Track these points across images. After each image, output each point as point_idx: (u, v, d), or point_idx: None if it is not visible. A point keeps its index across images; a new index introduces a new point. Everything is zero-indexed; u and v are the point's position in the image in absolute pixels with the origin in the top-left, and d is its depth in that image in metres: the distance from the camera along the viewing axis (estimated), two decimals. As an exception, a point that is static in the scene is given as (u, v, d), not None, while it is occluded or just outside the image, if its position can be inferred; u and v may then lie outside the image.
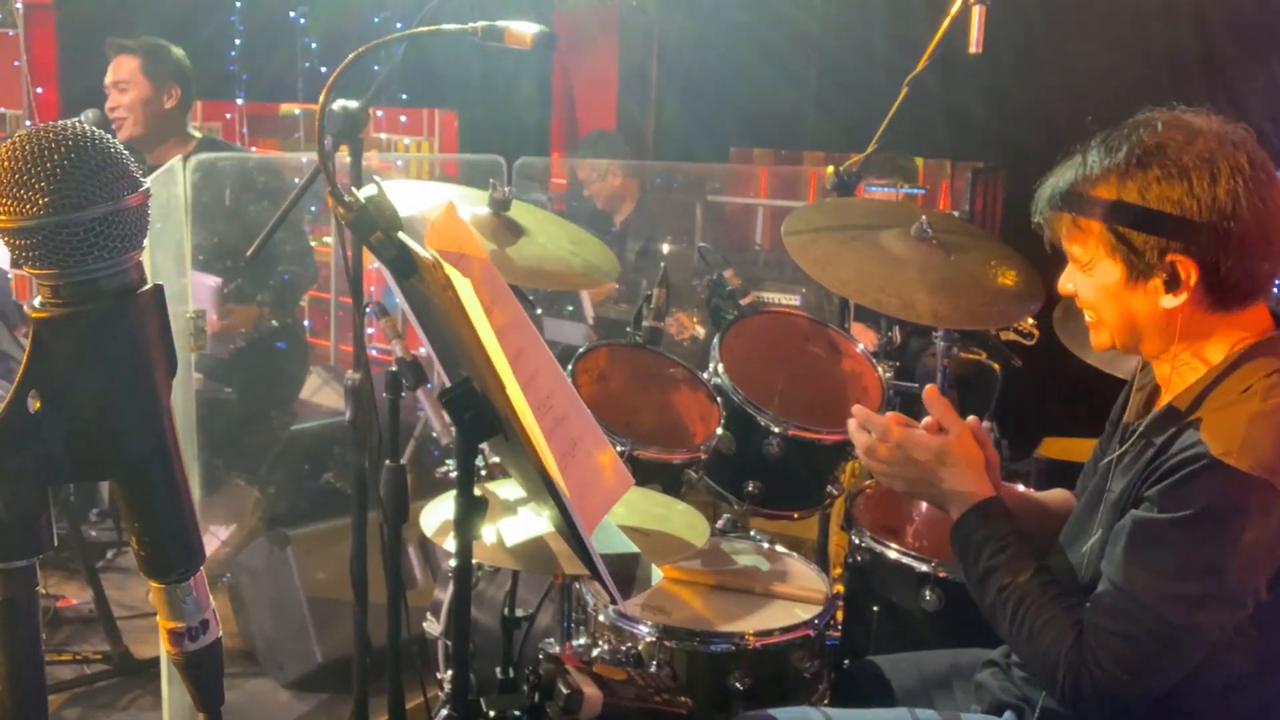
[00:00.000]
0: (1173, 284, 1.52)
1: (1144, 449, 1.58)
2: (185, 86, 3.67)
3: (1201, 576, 1.47)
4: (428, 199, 2.35)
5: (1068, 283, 1.66)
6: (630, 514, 1.95)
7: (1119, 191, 1.52)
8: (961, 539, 1.72)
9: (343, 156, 2.18)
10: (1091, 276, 1.59)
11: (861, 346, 2.69)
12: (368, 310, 2.21)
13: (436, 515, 1.90)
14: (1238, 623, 1.50)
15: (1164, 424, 1.57)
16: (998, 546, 1.67)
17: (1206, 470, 1.45)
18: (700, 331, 3.93)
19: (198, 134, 3.72)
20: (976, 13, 2.45)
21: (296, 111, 6.37)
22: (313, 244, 4.41)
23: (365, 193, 1.51)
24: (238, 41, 5.87)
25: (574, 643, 2.19)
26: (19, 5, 4.99)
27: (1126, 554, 1.52)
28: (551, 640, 2.33)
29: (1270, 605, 1.50)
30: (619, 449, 2.34)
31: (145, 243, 0.94)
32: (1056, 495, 1.98)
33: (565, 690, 1.70)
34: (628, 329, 2.76)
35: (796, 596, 2.19)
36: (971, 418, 1.82)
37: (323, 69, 6.01)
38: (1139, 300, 1.56)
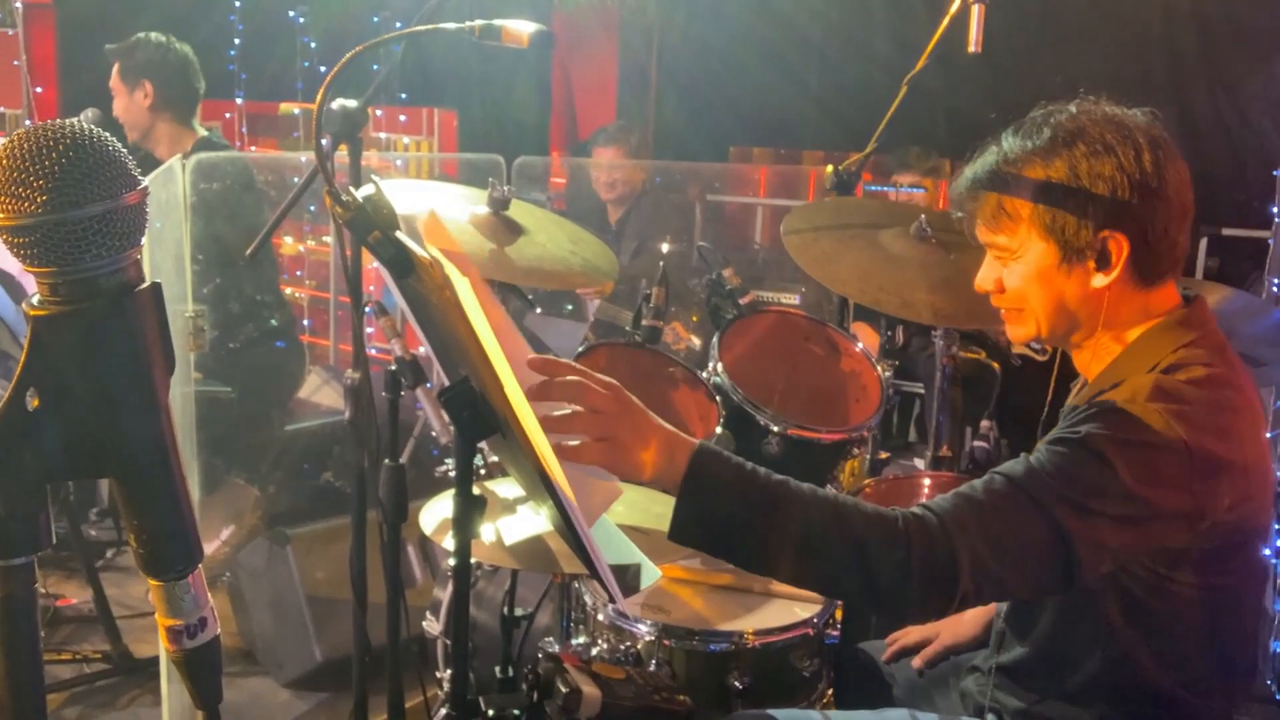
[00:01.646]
0: (1103, 262, 1.53)
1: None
2: (160, 78, 3.56)
3: (1080, 481, 1.40)
4: (422, 199, 2.35)
5: (988, 278, 1.64)
6: (630, 513, 1.95)
7: (1047, 171, 1.53)
8: (707, 484, 1.42)
9: (342, 156, 2.18)
10: (1021, 264, 1.58)
11: (861, 346, 2.70)
12: (367, 310, 2.21)
13: (435, 514, 1.90)
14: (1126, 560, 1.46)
15: (1074, 410, 1.56)
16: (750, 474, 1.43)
17: (1106, 410, 1.44)
18: (696, 341, 3.93)
19: (203, 131, 3.71)
20: (976, 12, 2.45)
21: (296, 111, 6.37)
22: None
23: (363, 192, 1.51)
24: (237, 41, 5.88)
25: (573, 642, 2.19)
26: (19, 5, 4.99)
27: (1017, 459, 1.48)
28: (551, 639, 2.33)
29: (1214, 575, 1.49)
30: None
31: (144, 241, 0.94)
32: None
33: (564, 689, 1.70)
34: (627, 329, 2.76)
35: (796, 595, 2.18)
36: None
37: (322, 68, 6.03)
38: (1070, 283, 1.56)
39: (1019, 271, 1.59)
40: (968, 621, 2.01)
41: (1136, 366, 1.54)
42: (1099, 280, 1.54)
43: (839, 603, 2.32)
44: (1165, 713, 1.57)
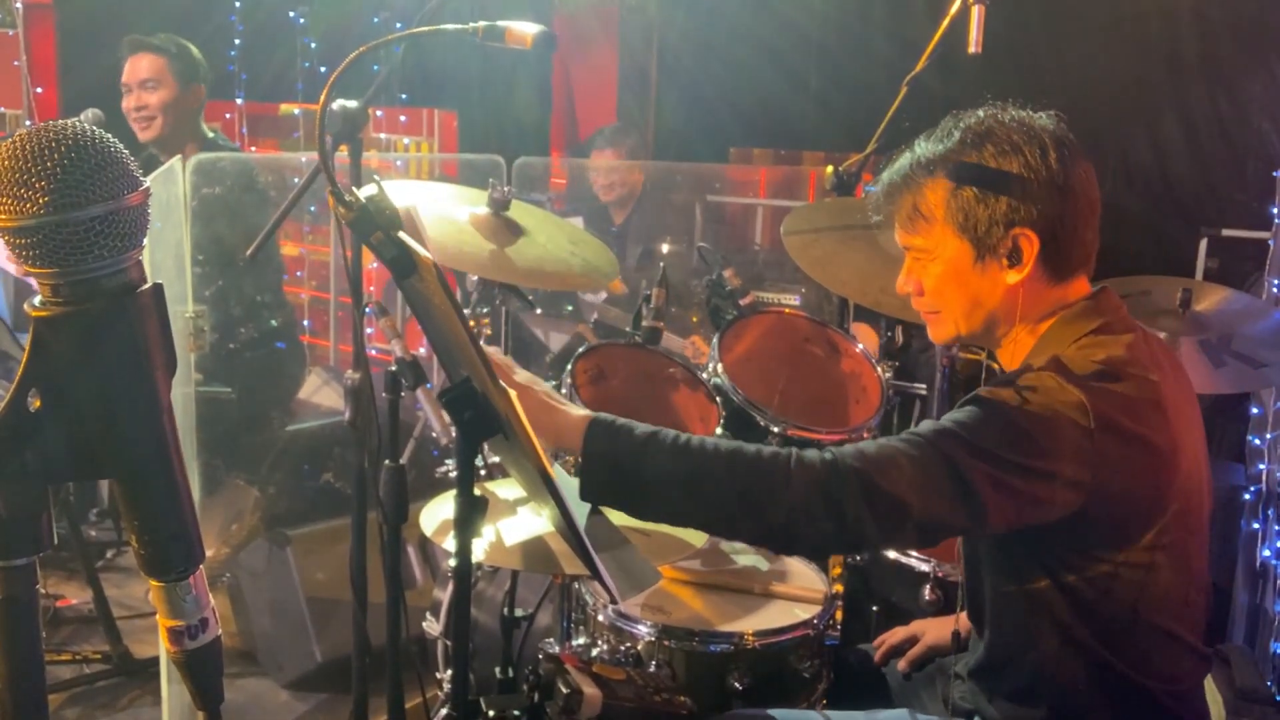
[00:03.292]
0: (1015, 259, 1.57)
1: None
2: (207, 87, 3.70)
3: (972, 427, 1.46)
4: (412, 198, 2.35)
5: (908, 281, 1.68)
6: (630, 514, 1.96)
7: (957, 170, 1.58)
8: (606, 450, 1.50)
9: (342, 156, 2.18)
10: (937, 264, 1.62)
11: (861, 346, 2.70)
12: (367, 310, 2.21)
13: (436, 515, 1.90)
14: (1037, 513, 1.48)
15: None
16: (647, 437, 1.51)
17: (1003, 378, 1.53)
18: None
19: (210, 133, 3.73)
20: (976, 13, 2.45)
21: (296, 111, 6.37)
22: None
23: (365, 192, 1.51)
24: (237, 41, 5.88)
25: (573, 642, 2.19)
26: (19, 5, 4.99)
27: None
28: (551, 640, 2.33)
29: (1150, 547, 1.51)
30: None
31: (145, 242, 0.94)
32: None
33: (565, 690, 1.70)
34: (627, 329, 2.76)
35: (796, 596, 2.19)
36: None
37: (322, 69, 6.02)
38: (984, 281, 1.60)
39: (935, 272, 1.63)
40: (949, 621, 2.02)
41: (1043, 355, 1.58)
42: (1012, 277, 1.58)
43: (839, 604, 2.33)
44: (1124, 705, 1.57)
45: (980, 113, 1.62)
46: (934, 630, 2.04)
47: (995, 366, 3.01)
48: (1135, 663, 1.56)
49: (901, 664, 2.03)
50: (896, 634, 2.08)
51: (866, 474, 1.44)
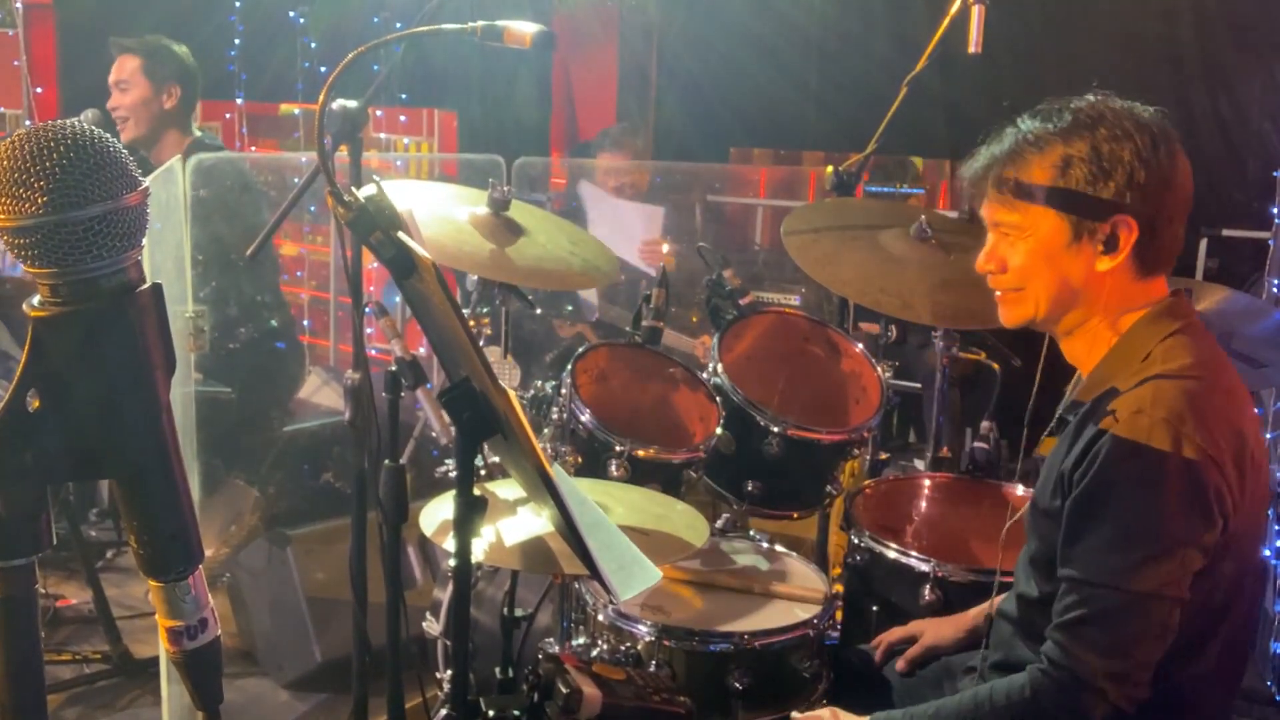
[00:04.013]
0: (1111, 245, 1.57)
1: (1064, 437, 1.63)
2: (187, 85, 3.66)
3: (1141, 540, 1.48)
4: (413, 200, 2.35)
5: (988, 260, 1.67)
6: (630, 514, 1.95)
7: (1068, 150, 1.57)
8: None
9: (342, 157, 2.18)
10: (1029, 241, 1.61)
11: (860, 346, 2.69)
12: (367, 310, 2.20)
13: (436, 515, 1.90)
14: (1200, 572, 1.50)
15: (1078, 405, 1.62)
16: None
17: (1116, 440, 1.49)
18: None
19: (197, 132, 3.72)
20: (976, 13, 2.46)
21: (296, 111, 6.37)
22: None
23: (365, 192, 1.51)
24: (237, 41, 5.87)
25: (573, 642, 2.19)
26: (19, 5, 4.99)
27: (1067, 543, 1.55)
28: (551, 640, 2.33)
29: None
30: (619, 449, 2.34)
31: (144, 242, 0.94)
32: None
33: (564, 690, 1.70)
34: (627, 329, 2.76)
35: (796, 596, 2.19)
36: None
37: (322, 69, 6.01)
38: (1076, 263, 1.59)
39: (1025, 249, 1.62)
40: (947, 624, 2.03)
41: (1130, 358, 1.58)
42: (1104, 263, 1.57)
43: (839, 604, 2.32)
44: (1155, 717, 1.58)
45: (1090, 97, 1.61)
46: (933, 630, 2.04)
47: (995, 367, 3.01)
48: (1178, 688, 1.57)
49: (900, 664, 2.03)
50: (894, 633, 2.09)
51: (1110, 669, 1.50)
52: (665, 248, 4.42)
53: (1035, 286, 1.63)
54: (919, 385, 3.34)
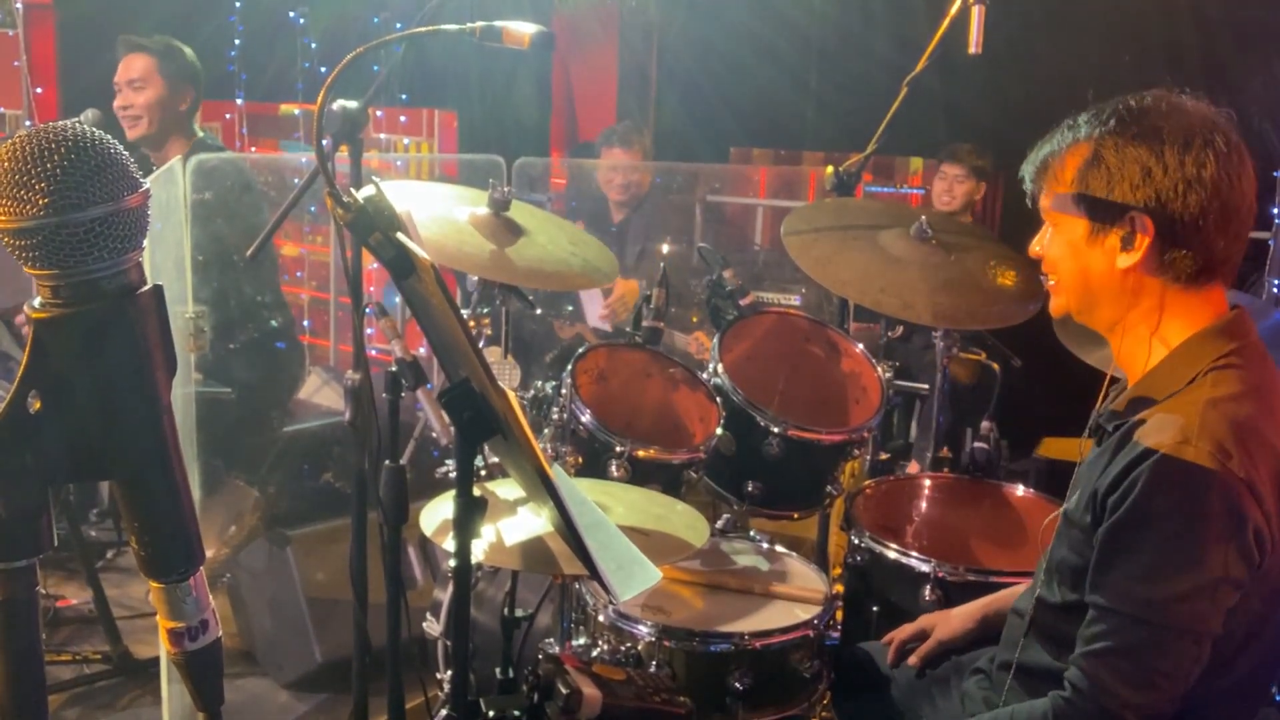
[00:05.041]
0: (1128, 242, 1.56)
1: (1102, 450, 1.60)
2: (197, 88, 3.68)
3: (1175, 573, 1.46)
4: (413, 200, 2.35)
5: (1037, 244, 1.70)
6: (630, 514, 1.96)
7: (1096, 146, 1.58)
8: None
9: (342, 157, 2.18)
10: (1059, 231, 1.64)
11: (861, 347, 2.69)
12: (367, 310, 2.21)
13: (436, 515, 1.90)
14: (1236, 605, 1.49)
15: (1118, 416, 1.59)
16: None
17: (1158, 467, 1.46)
18: None
19: (199, 133, 3.73)
20: (976, 13, 2.46)
21: (296, 111, 6.37)
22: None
23: (364, 193, 1.51)
24: (237, 41, 5.87)
25: (573, 643, 2.19)
26: (19, 5, 4.99)
27: (1099, 570, 1.53)
28: (551, 640, 2.33)
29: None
30: (619, 449, 2.34)
31: (145, 243, 0.94)
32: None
33: (565, 690, 1.70)
34: (627, 329, 2.76)
35: (796, 596, 2.19)
36: None
37: (322, 69, 6.02)
38: (1096, 258, 1.60)
39: (1056, 239, 1.65)
40: (955, 617, 2.02)
41: (1178, 375, 1.55)
42: (1123, 260, 1.57)
43: (839, 604, 2.33)
44: None
45: (1150, 96, 1.62)
46: (943, 626, 2.02)
47: (995, 367, 3.01)
48: (1206, 696, 1.55)
49: (913, 659, 2.02)
50: (904, 631, 2.07)
51: (1133, 699, 1.48)
52: (665, 249, 4.42)
53: (1064, 278, 1.66)
54: (920, 385, 3.34)
